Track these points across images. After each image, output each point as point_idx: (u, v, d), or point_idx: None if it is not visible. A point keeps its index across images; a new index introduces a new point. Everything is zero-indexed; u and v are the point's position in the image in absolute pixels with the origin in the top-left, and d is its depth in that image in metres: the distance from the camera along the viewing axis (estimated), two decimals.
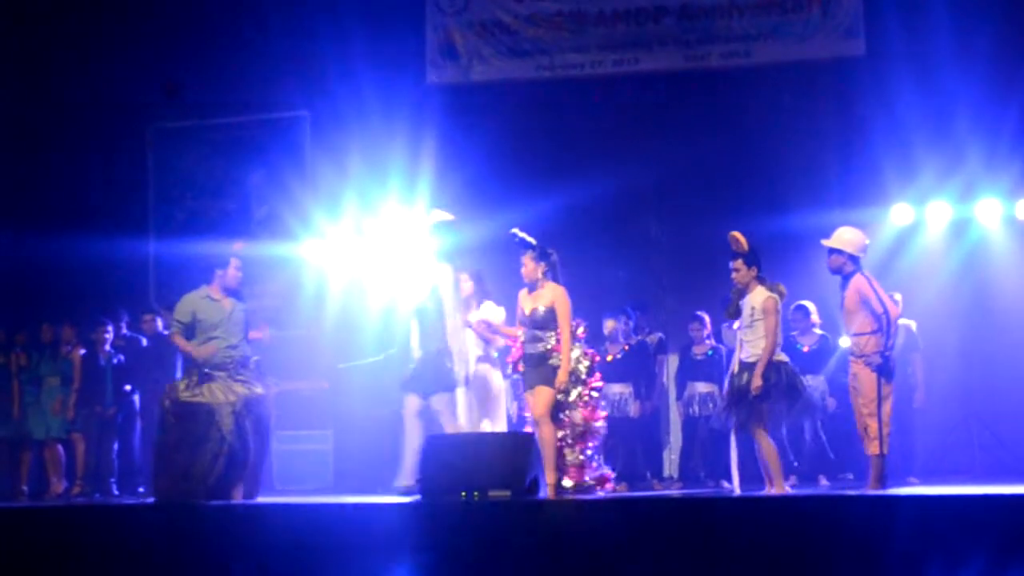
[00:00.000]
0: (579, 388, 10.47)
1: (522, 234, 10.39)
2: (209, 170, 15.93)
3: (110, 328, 13.30)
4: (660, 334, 13.02)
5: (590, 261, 14.32)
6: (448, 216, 11.43)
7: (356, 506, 8.41)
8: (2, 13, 15.23)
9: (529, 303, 10.26)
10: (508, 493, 7.98)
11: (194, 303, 10.72)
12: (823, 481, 12.20)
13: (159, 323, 13.20)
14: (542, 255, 10.29)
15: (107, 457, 13.26)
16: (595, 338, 12.68)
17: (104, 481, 13.08)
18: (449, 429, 10.42)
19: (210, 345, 10.52)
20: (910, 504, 7.51)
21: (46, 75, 15.35)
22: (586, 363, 10.63)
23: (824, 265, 13.16)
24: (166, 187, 16.01)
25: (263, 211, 15.69)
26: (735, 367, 10.07)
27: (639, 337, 12.77)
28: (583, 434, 10.38)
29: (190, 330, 10.61)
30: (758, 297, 10.00)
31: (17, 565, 7.36)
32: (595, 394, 10.71)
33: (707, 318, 12.61)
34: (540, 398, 10.02)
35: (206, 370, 10.40)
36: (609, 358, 12.50)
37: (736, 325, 10.25)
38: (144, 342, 13.28)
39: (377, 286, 14.34)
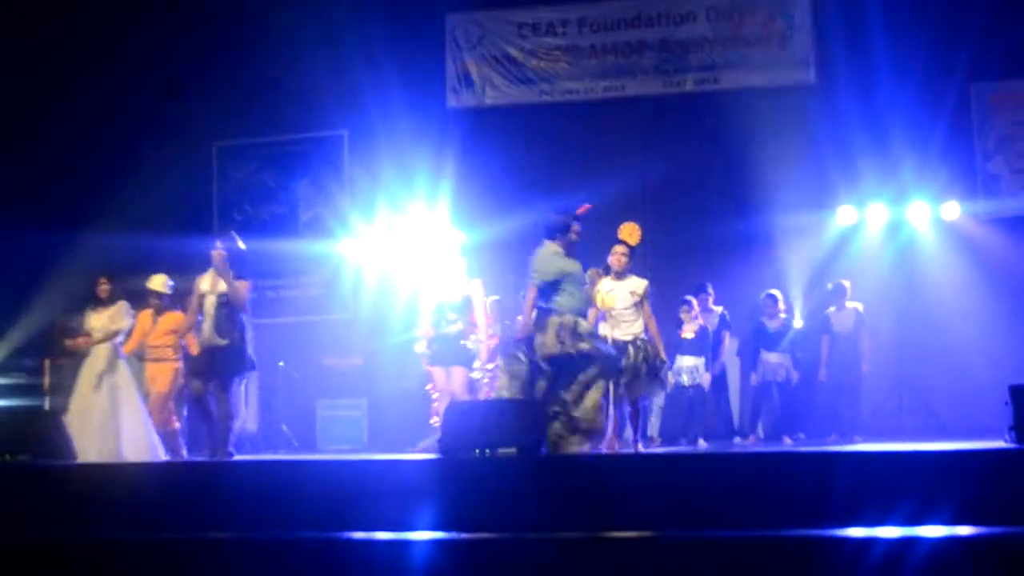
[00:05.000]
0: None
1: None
2: (263, 180, 15.96)
3: None
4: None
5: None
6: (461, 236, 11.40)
7: (387, 462, 8.46)
8: (84, 44, 15.28)
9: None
10: (514, 450, 8.00)
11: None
12: (787, 440, 12.28)
13: None
14: None
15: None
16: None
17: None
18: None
19: None
20: (852, 459, 7.57)
21: (130, 101, 15.39)
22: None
23: (787, 257, 13.25)
24: (227, 194, 16.06)
25: (308, 214, 15.74)
26: (610, 343, 9.59)
27: None
28: None
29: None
30: (639, 284, 9.71)
31: (101, 517, 7.37)
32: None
33: (695, 302, 12.43)
34: (457, 376, 10.24)
35: None
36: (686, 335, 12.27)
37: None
38: None
39: (405, 277, 14.42)
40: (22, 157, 15.27)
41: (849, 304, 12.65)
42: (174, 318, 11.05)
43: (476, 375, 10.98)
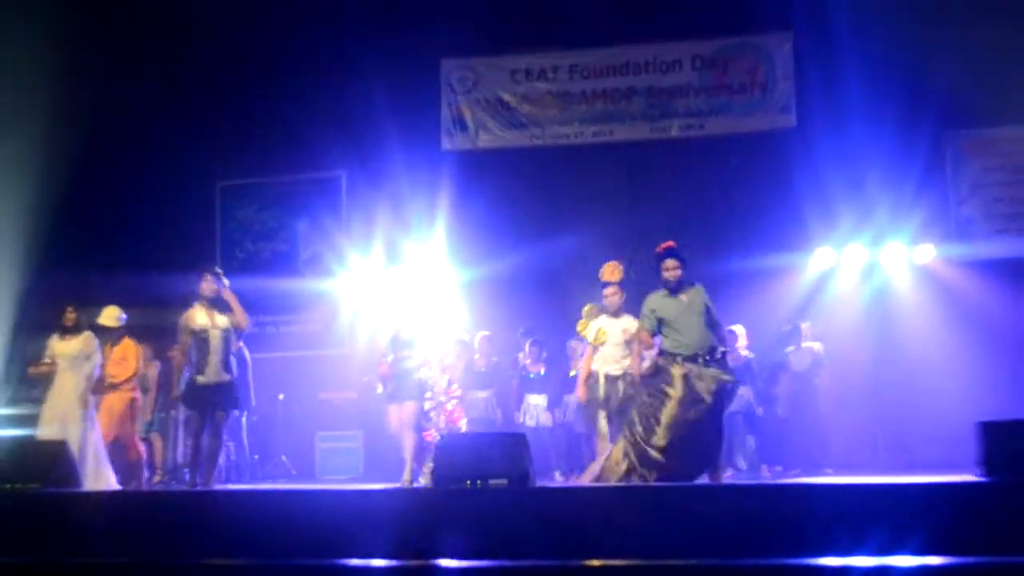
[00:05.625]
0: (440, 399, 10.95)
1: None
2: (264, 219, 16.01)
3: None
4: None
5: (572, 296, 14.45)
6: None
7: (383, 491, 8.49)
8: (100, 93, 15.35)
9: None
10: (505, 482, 8.01)
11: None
12: (764, 472, 12.29)
13: None
14: None
15: (180, 452, 13.30)
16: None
17: (178, 471, 13.13)
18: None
19: None
20: (827, 491, 7.60)
21: (138, 145, 15.45)
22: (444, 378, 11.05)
23: (766, 296, 13.24)
24: (230, 233, 16.09)
25: (308, 253, 15.78)
26: (600, 379, 9.83)
27: None
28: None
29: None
30: (632, 323, 9.78)
31: (108, 544, 7.39)
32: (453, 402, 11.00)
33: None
34: (408, 409, 10.33)
35: None
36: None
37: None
38: None
39: (400, 314, 14.43)
40: (32, 198, 15.29)
41: (806, 344, 12.74)
42: (123, 348, 11.12)
43: (428, 405, 11.01)
